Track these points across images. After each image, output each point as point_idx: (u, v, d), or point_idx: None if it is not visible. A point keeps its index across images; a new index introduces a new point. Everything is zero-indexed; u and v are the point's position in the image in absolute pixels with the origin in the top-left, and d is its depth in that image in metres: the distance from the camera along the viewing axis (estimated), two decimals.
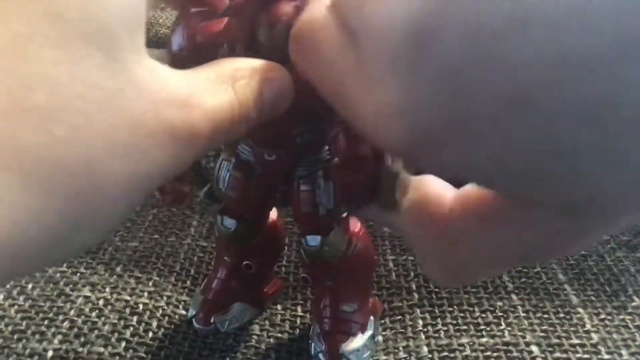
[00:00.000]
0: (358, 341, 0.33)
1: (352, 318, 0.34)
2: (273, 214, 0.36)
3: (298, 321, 0.37)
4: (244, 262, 0.35)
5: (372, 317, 0.35)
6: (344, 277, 0.33)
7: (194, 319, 0.36)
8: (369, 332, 0.34)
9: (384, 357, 0.34)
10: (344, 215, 0.31)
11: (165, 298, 0.38)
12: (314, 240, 0.31)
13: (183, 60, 0.30)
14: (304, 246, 0.32)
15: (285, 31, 0.26)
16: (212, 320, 0.35)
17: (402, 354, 0.34)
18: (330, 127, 0.30)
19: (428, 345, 0.35)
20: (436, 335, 0.36)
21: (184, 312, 0.37)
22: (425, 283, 0.40)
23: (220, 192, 0.33)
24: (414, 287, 0.40)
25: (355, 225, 0.33)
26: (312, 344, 0.34)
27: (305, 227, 0.32)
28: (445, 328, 0.36)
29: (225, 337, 0.35)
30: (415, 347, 0.35)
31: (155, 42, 0.99)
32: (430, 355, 0.34)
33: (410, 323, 0.37)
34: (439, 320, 0.37)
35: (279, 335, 0.36)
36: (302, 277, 0.34)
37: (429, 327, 0.36)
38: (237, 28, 0.28)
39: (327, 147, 0.31)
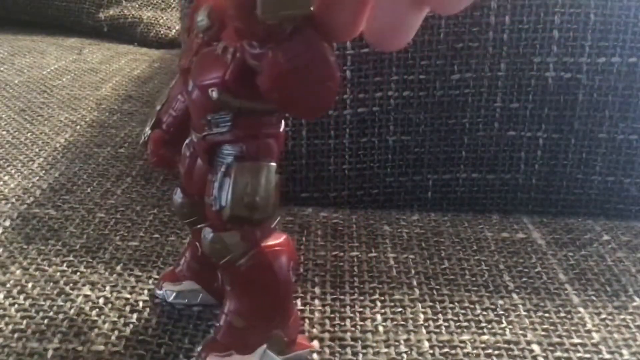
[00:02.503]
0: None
1: (235, 334, 0.31)
2: None
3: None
4: (196, 242, 0.35)
5: (263, 346, 0.31)
6: (238, 286, 0.31)
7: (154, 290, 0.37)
8: (249, 357, 0.31)
9: (385, 350, 0.34)
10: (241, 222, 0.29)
11: None
12: (207, 232, 0.30)
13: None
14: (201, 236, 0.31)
15: (206, 13, 0.28)
16: (161, 286, 0.37)
17: (403, 347, 0.34)
18: (242, 124, 0.29)
19: (429, 340, 0.35)
20: (437, 330, 0.36)
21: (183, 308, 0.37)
22: (427, 280, 0.40)
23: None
24: (414, 283, 0.40)
25: (268, 239, 0.31)
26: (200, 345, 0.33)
27: (204, 217, 0.31)
28: (446, 324, 0.36)
29: None
30: (416, 341, 0.35)
31: (156, 42, 1.00)
32: (431, 351, 0.34)
33: (412, 316, 0.37)
34: (440, 315, 0.37)
35: None
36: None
37: (430, 322, 0.36)
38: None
39: (235, 145, 0.29)
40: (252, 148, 0.29)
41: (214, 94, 0.28)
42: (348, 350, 0.34)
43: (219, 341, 0.32)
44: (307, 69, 0.25)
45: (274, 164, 0.29)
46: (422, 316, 0.37)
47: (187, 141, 0.33)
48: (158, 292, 0.37)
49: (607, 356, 0.34)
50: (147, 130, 0.34)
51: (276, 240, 0.31)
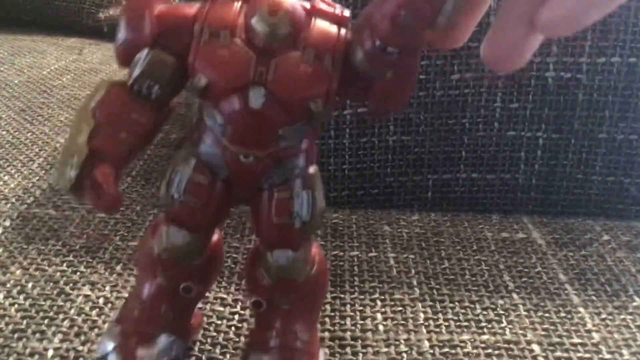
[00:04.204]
0: None
1: (305, 347, 0.30)
2: (216, 232, 0.32)
3: None
4: (184, 285, 0.30)
5: (322, 350, 0.32)
6: (303, 299, 0.30)
7: (109, 357, 0.30)
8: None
9: (385, 349, 0.34)
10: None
11: None
12: (284, 255, 0.29)
13: (144, 45, 0.28)
14: (269, 263, 0.29)
15: (288, 18, 0.26)
16: (137, 355, 0.30)
17: (403, 347, 0.34)
18: (310, 132, 0.28)
19: (429, 339, 0.35)
20: (437, 330, 0.36)
21: None
22: (426, 280, 0.40)
23: (171, 199, 0.28)
24: (415, 282, 0.40)
25: (315, 246, 0.31)
26: None
27: (275, 240, 0.29)
28: (446, 323, 0.36)
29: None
30: (416, 340, 0.35)
31: None
32: (431, 350, 0.34)
33: (412, 316, 0.37)
34: (440, 315, 0.37)
35: None
36: (255, 301, 0.30)
37: (430, 322, 0.36)
38: (218, 13, 0.27)
39: (303, 156, 0.29)
40: (314, 154, 0.29)
41: (318, 105, 0.26)
42: (348, 350, 0.34)
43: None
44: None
45: None
46: (422, 315, 0.37)
47: (188, 167, 0.28)
48: None
49: (607, 356, 0.34)
50: (72, 172, 0.26)
51: (313, 244, 0.31)
